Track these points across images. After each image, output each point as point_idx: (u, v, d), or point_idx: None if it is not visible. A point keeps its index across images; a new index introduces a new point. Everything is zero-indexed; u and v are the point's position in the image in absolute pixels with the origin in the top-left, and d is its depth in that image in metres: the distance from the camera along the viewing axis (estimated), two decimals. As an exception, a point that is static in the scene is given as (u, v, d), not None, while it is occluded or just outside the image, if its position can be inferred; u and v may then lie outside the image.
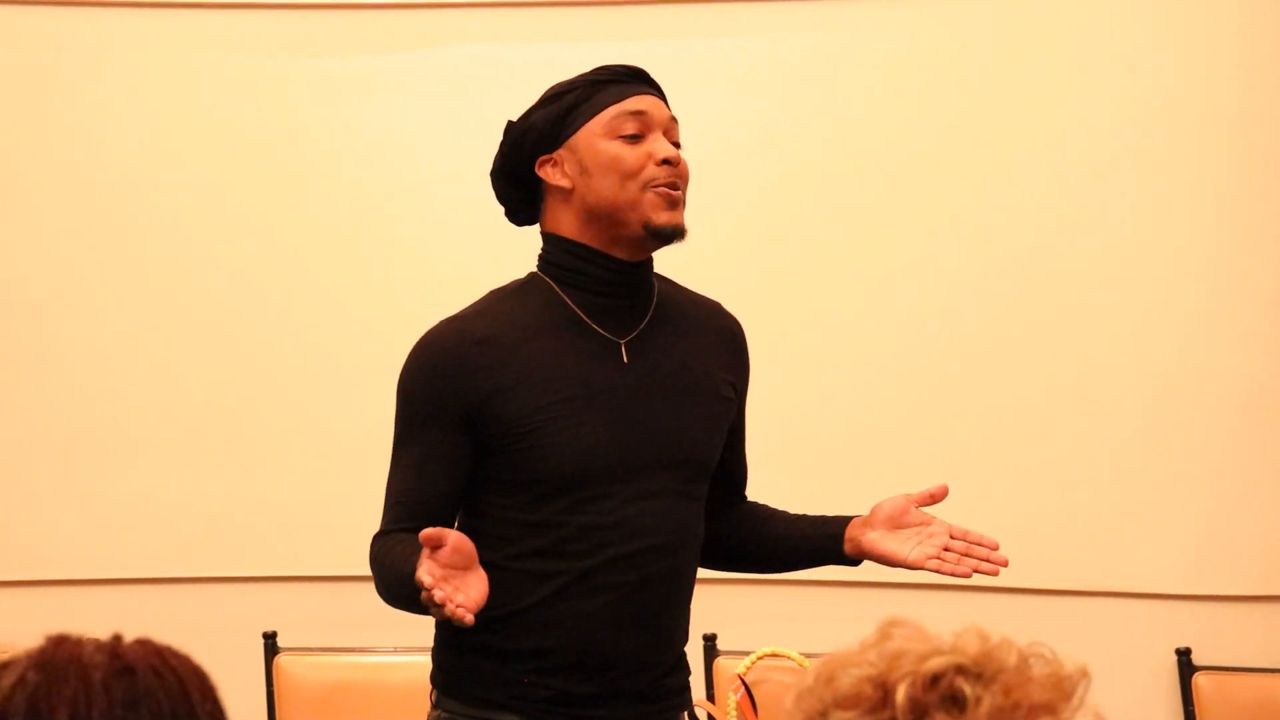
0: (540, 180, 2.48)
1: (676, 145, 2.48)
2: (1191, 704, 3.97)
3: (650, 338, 2.48)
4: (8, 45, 4.29)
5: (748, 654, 3.76)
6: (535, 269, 2.51)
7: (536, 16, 4.30)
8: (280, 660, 3.94)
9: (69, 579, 4.27)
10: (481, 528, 2.40)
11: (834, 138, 4.26)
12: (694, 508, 2.49)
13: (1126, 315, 4.16)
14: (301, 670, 3.92)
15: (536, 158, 2.47)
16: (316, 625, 4.13)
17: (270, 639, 4.02)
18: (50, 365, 4.29)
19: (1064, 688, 1.28)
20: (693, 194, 2.54)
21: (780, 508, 2.64)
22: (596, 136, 2.44)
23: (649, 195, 2.43)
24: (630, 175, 2.42)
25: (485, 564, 2.27)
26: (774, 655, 3.73)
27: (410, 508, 2.42)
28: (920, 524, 2.48)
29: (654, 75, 2.52)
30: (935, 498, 2.49)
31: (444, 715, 2.48)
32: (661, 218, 2.43)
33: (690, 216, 2.50)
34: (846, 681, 1.27)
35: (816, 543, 2.55)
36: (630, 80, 2.48)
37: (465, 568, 2.22)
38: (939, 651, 1.26)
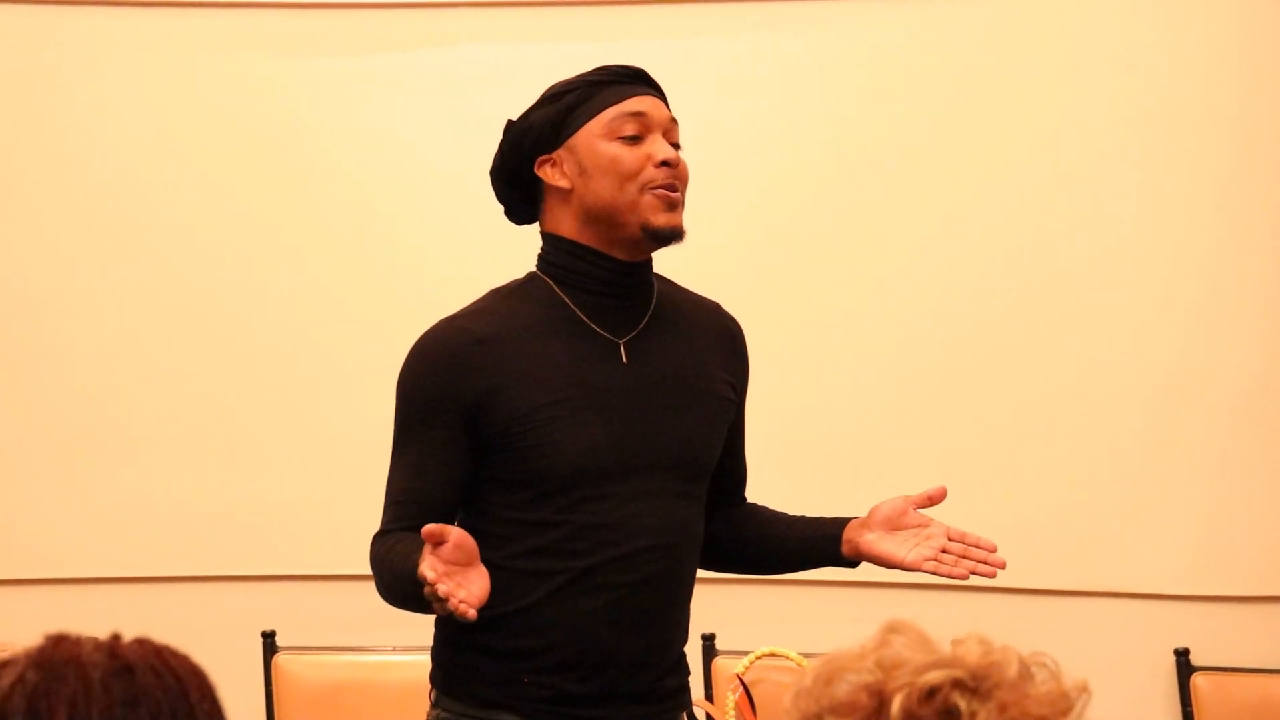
0: (539, 180, 2.48)
1: (676, 146, 2.48)
2: (1190, 704, 3.97)
3: (649, 338, 2.48)
4: (9, 44, 4.28)
5: (746, 654, 3.75)
6: (535, 269, 2.51)
7: (537, 16, 4.30)
8: (279, 659, 3.94)
9: (68, 578, 4.27)
10: (481, 527, 2.40)
11: (833, 137, 4.26)
12: (693, 508, 2.49)
13: (1126, 316, 4.16)
14: (300, 669, 3.91)
15: (536, 158, 2.47)
16: (315, 624, 4.13)
17: (269, 638, 4.02)
18: (50, 364, 4.29)
19: (1062, 704, 1.28)
20: (692, 194, 2.54)
21: (779, 509, 2.64)
22: (596, 137, 2.44)
23: (647, 197, 2.43)
24: (629, 177, 2.42)
25: (484, 563, 2.27)
26: (772, 655, 3.73)
27: (410, 507, 2.42)
28: (918, 526, 2.48)
29: (654, 75, 2.52)
30: (933, 500, 2.49)
31: (443, 715, 2.48)
32: (660, 219, 2.43)
33: (689, 216, 2.50)
34: (843, 688, 1.27)
35: (814, 544, 2.55)
36: (630, 81, 2.48)
37: (467, 564, 2.22)
38: (938, 664, 1.26)
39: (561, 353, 2.43)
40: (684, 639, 2.54)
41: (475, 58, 4.29)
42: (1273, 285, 4.12)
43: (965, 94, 4.23)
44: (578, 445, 2.40)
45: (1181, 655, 4.02)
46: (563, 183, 2.45)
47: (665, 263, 2.52)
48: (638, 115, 2.45)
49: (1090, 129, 4.18)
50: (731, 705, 3.61)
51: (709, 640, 3.94)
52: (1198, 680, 3.96)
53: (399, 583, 2.34)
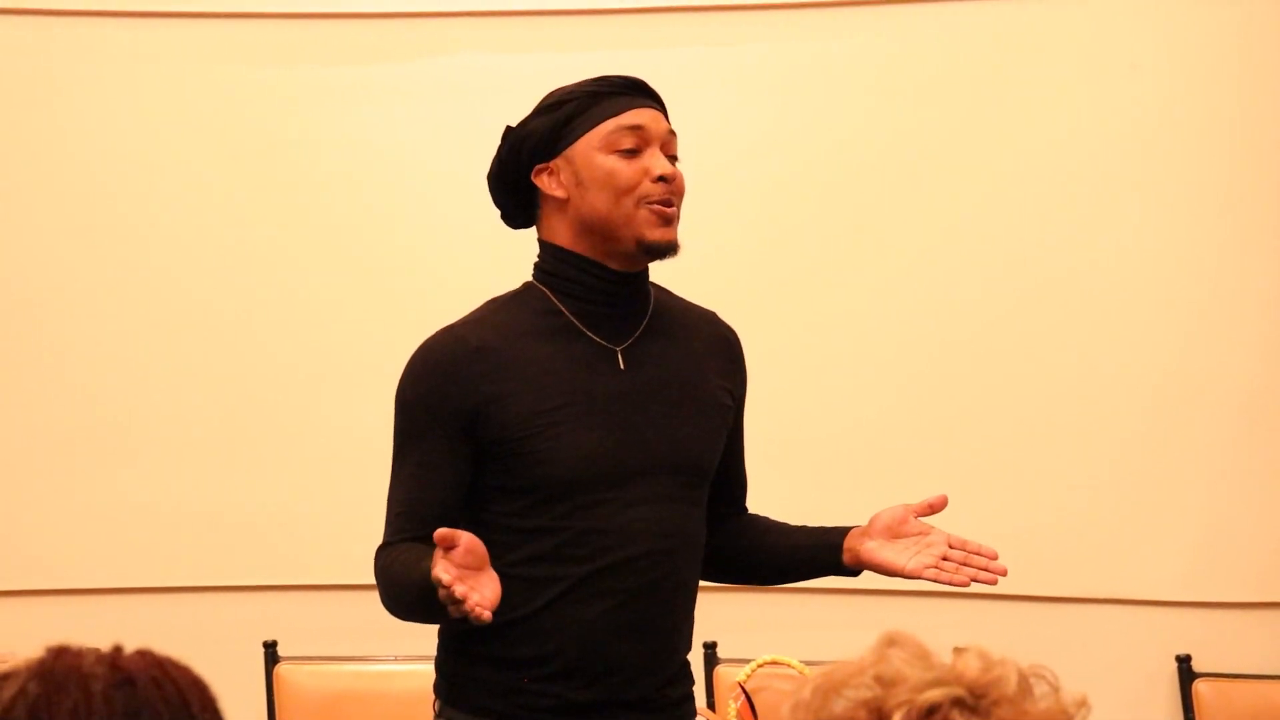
0: (536, 187, 2.48)
1: (674, 158, 2.48)
2: (1192, 711, 3.97)
3: (646, 345, 2.48)
4: (11, 54, 4.29)
5: (748, 662, 3.76)
6: (531, 278, 2.52)
7: (536, 26, 4.30)
8: (280, 669, 3.94)
9: (69, 588, 4.27)
10: (480, 535, 2.39)
11: (834, 144, 4.26)
12: (694, 513, 2.49)
13: (1126, 321, 4.16)
14: (302, 679, 3.91)
15: (533, 165, 2.47)
16: (317, 634, 4.13)
17: (270, 648, 4.02)
18: (51, 374, 4.29)
19: (1062, 719, 1.28)
20: (693, 200, 2.54)
21: (780, 517, 2.64)
22: (594, 150, 2.44)
23: (643, 211, 2.43)
24: (625, 191, 2.43)
25: (487, 570, 2.27)
26: (774, 663, 3.73)
27: (413, 518, 2.42)
28: (919, 534, 2.47)
29: (653, 83, 2.52)
30: (934, 508, 2.48)
31: (447, 725, 2.49)
32: (654, 234, 2.43)
33: (691, 222, 2.50)
34: (841, 704, 1.27)
35: (815, 553, 2.55)
36: (630, 92, 2.48)
37: (478, 568, 2.22)
38: (937, 681, 1.26)
39: (559, 360, 2.44)
40: (687, 646, 2.53)
41: (474, 67, 4.29)
42: (1273, 290, 4.12)
43: (964, 101, 4.23)
44: (576, 451, 2.40)
45: (1183, 662, 4.02)
46: (559, 192, 2.46)
47: (669, 268, 2.52)
48: (636, 129, 2.45)
49: (1090, 136, 4.18)
50: (733, 713, 3.61)
51: (711, 648, 3.94)
52: (1199, 687, 3.96)
53: (406, 592, 2.34)
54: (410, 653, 3.72)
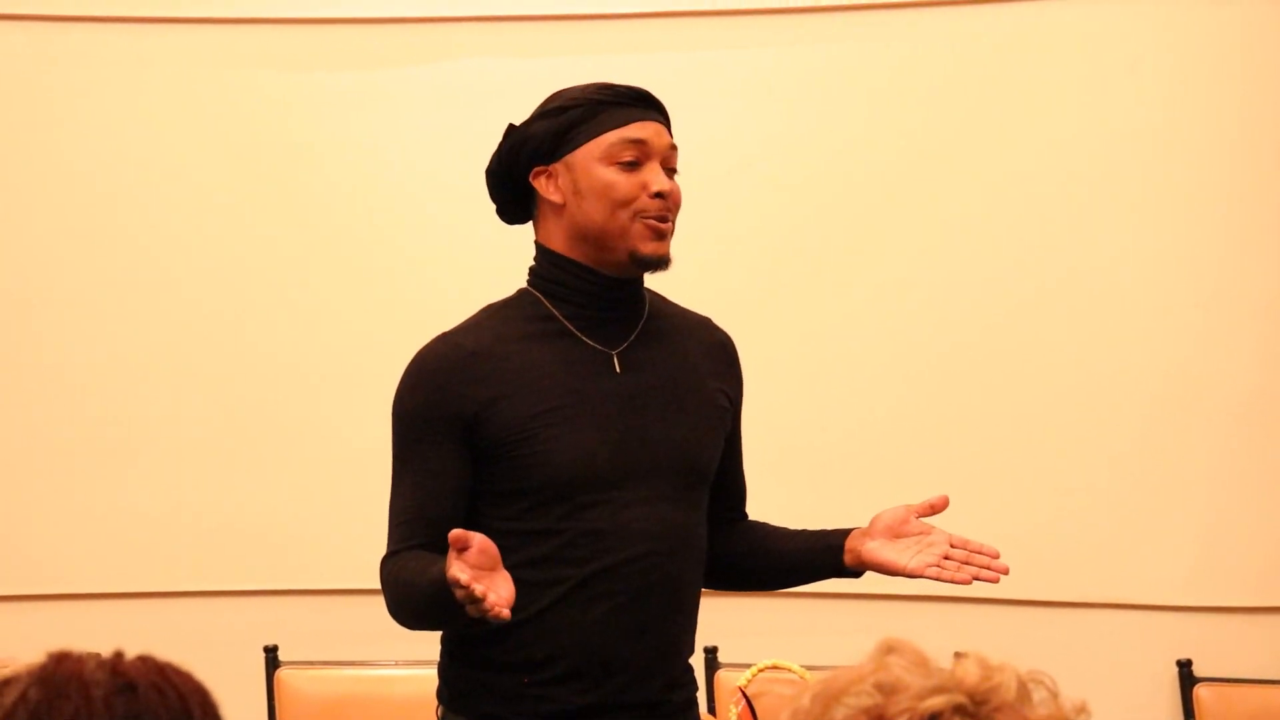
0: (533, 188, 2.49)
1: (673, 171, 2.49)
2: (1193, 715, 3.97)
3: (641, 349, 2.49)
4: (13, 60, 4.30)
5: (749, 666, 3.76)
6: (526, 283, 2.52)
7: (536, 31, 4.30)
8: (281, 674, 3.94)
9: (70, 593, 4.27)
10: (481, 540, 2.40)
11: (836, 149, 4.26)
12: (693, 514, 2.49)
13: (1126, 325, 4.17)
14: (303, 684, 3.91)
15: (532, 167, 2.48)
16: (318, 639, 4.13)
17: (271, 652, 4.02)
18: (53, 378, 4.29)
19: None
20: (695, 206, 2.54)
21: (779, 523, 2.64)
22: (594, 160, 2.44)
23: (638, 225, 2.43)
24: (622, 204, 2.43)
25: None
26: (775, 668, 3.73)
27: (417, 525, 2.42)
28: (920, 533, 2.47)
29: (657, 89, 2.52)
30: (935, 508, 2.48)
31: (450, 731, 2.49)
32: (647, 248, 2.44)
33: (692, 228, 2.51)
34: (842, 713, 1.27)
35: (817, 555, 2.55)
36: (635, 104, 2.48)
37: (491, 569, 2.22)
38: (938, 689, 1.26)
39: (554, 363, 2.44)
40: (690, 649, 2.53)
41: (475, 72, 4.30)
42: (1274, 294, 4.12)
43: (965, 106, 4.23)
44: (573, 452, 2.40)
45: (1184, 666, 4.02)
46: (555, 197, 2.46)
47: (670, 275, 2.52)
48: (638, 143, 2.45)
49: (1092, 140, 4.18)
50: (734, 717, 3.61)
51: (711, 653, 3.94)
52: (1200, 691, 3.96)
53: (417, 598, 2.35)
54: (411, 657, 3.72)
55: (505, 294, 2.54)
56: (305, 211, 4.31)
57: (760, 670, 3.73)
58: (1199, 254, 4.15)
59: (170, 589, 4.28)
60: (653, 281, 2.54)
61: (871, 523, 2.50)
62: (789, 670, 3.71)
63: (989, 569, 2.44)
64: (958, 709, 1.25)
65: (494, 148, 2.53)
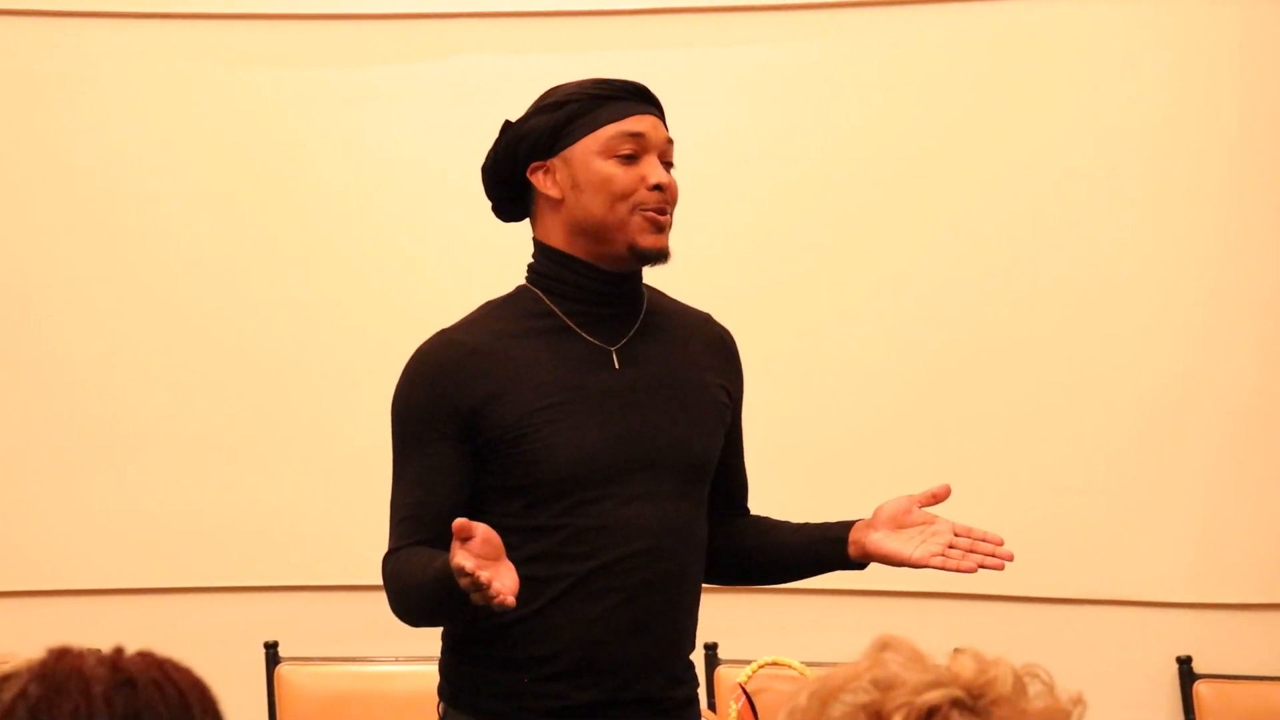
0: (530, 184, 2.49)
1: (670, 165, 2.49)
2: (1193, 712, 3.97)
3: (640, 344, 2.49)
4: (11, 56, 4.29)
5: (749, 663, 3.76)
6: (525, 280, 2.52)
7: (537, 27, 4.30)
8: (281, 670, 3.94)
9: (70, 589, 4.27)
10: (481, 536, 2.39)
11: (832, 146, 4.26)
12: (693, 509, 2.49)
13: (1124, 323, 4.16)
14: (303, 680, 3.91)
15: (529, 163, 2.48)
16: (318, 635, 4.13)
17: (271, 649, 4.02)
18: (51, 376, 4.29)
19: (1059, 717, 1.28)
20: (691, 202, 2.54)
21: (780, 518, 2.64)
22: (592, 154, 2.44)
23: (636, 218, 2.44)
24: (620, 197, 2.43)
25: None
26: (775, 664, 3.74)
27: (419, 522, 2.42)
28: (923, 524, 2.46)
29: (653, 85, 2.52)
30: (937, 497, 2.48)
31: (451, 727, 2.49)
32: (647, 241, 2.44)
33: (689, 225, 2.51)
34: (839, 710, 1.27)
35: (820, 548, 2.54)
36: (632, 98, 2.48)
37: (495, 559, 2.22)
38: (935, 683, 1.26)
39: (553, 359, 2.44)
40: (691, 645, 2.53)
41: (476, 69, 4.29)
42: (1272, 292, 4.12)
43: (961, 103, 4.23)
44: (573, 448, 2.40)
45: (1184, 663, 4.02)
46: (553, 192, 2.47)
47: (668, 271, 2.52)
48: (636, 136, 2.45)
49: (1088, 138, 4.18)
50: (734, 714, 3.62)
51: (711, 649, 3.94)
52: (1200, 688, 3.96)
53: (420, 592, 2.35)
54: (412, 654, 3.72)
55: (504, 290, 2.54)
56: (303, 208, 4.31)
57: (760, 666, 3.73)
58: (1197, 251, 4.15)
59: (170, 585, 4.28)
60: (651, 277, 2.54)
61: (874, 514, 2.49)
62: (789, 666, 3.72)
63: (993, 556, 2.43)
64: (955, 703, 1.25)
65: (490, 144, 2.53)
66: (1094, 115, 4.17)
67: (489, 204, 2.57)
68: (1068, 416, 4.17)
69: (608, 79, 2.50)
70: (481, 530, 2.21)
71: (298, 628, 4.13)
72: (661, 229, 2.45)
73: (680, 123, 2.59)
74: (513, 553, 2.29)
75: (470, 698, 2.47)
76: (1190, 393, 4.13)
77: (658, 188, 2.44)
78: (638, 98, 2.49)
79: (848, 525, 2.52)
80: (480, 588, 2.17)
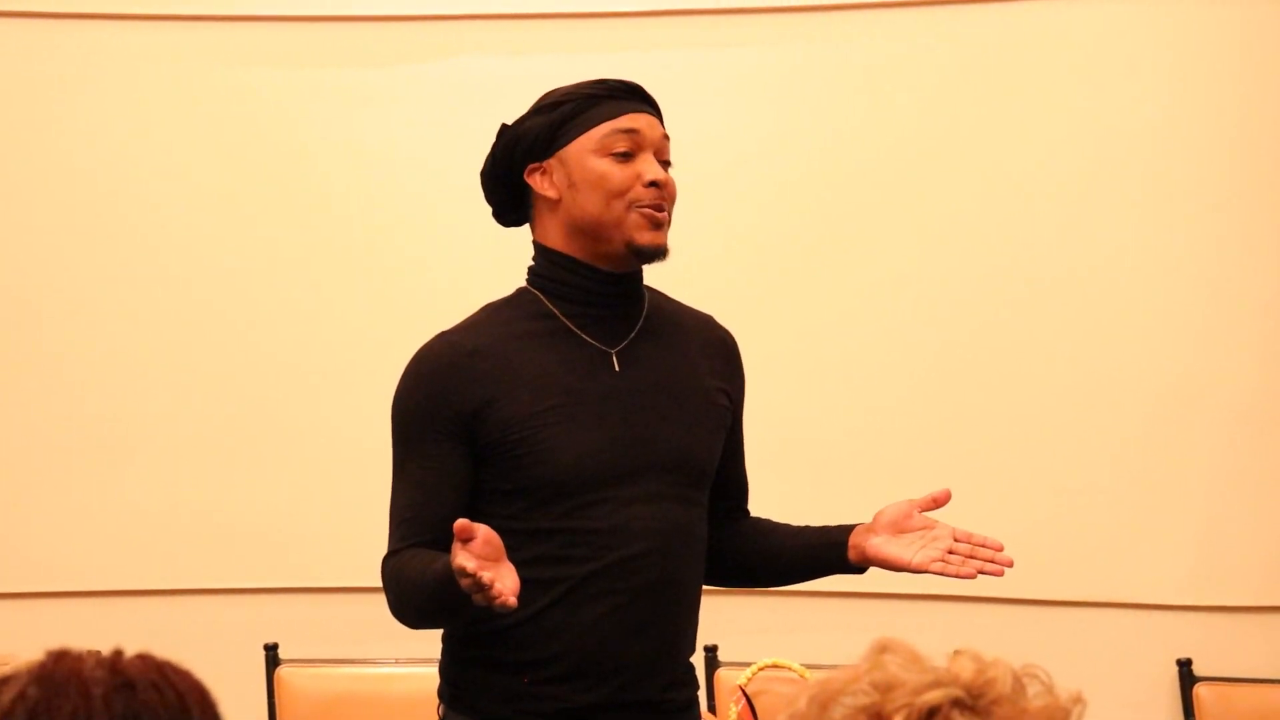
0: (528, 186, 2.49)
1: (667, 164, 2.49)
2: (1193, 715, 3.97)
3: (641, 347, 2.49)
4: (13, 57, 4.29)
5: (749, 665, 3.76)
6: (525, 282, 2.52)
7: (537, 29, 4.30)
8: (281, 672, 3.94)
9: (69, 591, 4.27)
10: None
11: (831, 147, 4.26)
12: (693, 512, 2.49)
13: (1125, 324, 4.16)
14: (303, 682, 3.91)
15: (526, 164, 2.48)
16: (318, 637, 4.13)
17: (271, 650, 4.02)
18: (51, 377, 4.29)
19: (1059, 716, 1.28)
20: (689, 203, 2.54)
21: (779, 520, 2.64)
22: (588, 152, 2.45)
23: (634, 215, 2.44)
24: (617, 194, 2.43)
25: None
26: (775, 666, 3.74)
27: (419, 524, 2.42)
28: (923, 528, 2.47)
29: (651, 87, 2.53)
30: (938, 502, 2.48)
31: (451, 730, 2.49)
32: (644, 238, 2.44)
33: (687, 226, 2.51)
34: (840, 712, 1.27)
35: (820, 552, 2.55)
36: (627, 97, 2.49)
37: (495, 560, 2.22)
38: (935, 683, 1.26)
39: (553, 362, 2.44)
40: (691, 648, 2.53)
41: (475, 70, 4.30)
42: (1274, 294, 4.12)
43: (960, 105, 4.23)
44: (572, 451, 2.40)
45: (1184, 665, 4.02)
46: (551, 192, 2.47)
47: (666, 272, 2.52)
48: (631, 133, 2.45)
49: (1089, 138, 4.18)
50: (734, 716, 3.62)
51: (711, 651, 3.94)
52: (1200, 691, 3.96)
53: (420, 593, 2.34)
54: (412, 655, 3.72)
55: (505, 292, 2.54)
56: (304, 209, 4.31)
57: (760, 669, 3.73)
58: (1198, 252, 4.15)
59: (170, 586, 4.28)
60: (650, 277, 2.54)
61: (875, 518, 2.50)
62: (789, 669, 3.72)
63: (993, 562, 2.43)
64: (956, 703, 1.25)
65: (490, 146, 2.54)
66: (1094, 116, 4.17)
67: (489, 208, 2.58)
68: (1068, 418, 4.17)
69: (603, 79, 2.50)
70: (482, 531, 2.21)
71: (298, 629, 4.13)
72: (659, 226, 2.45)
73: (680, 124, 2.59)
74: (513, 555, 2.29)
75: (470, 700, 2.47)
76: (1191, 394, 4.13)
77: (654, 184, 2.44)
78: (633, 96, 2.49)
79: (848, 529, 2.52)
80: (482, 588, 2.17)
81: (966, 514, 2.57)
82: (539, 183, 2.48)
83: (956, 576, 2.43)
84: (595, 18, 4.29)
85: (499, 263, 2.66)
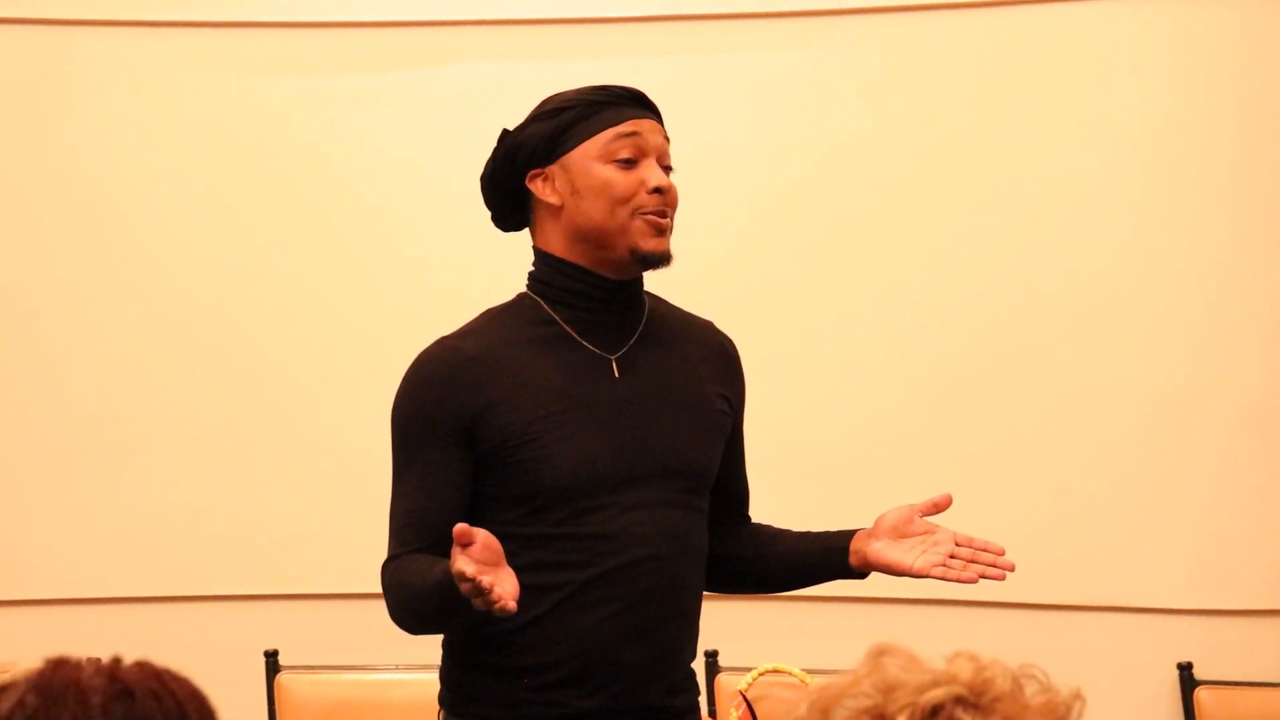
0: (529, 192, 2.49)
1: (669, 169, 2.49)
2: (1194, 719, 3.96)
3: (641, 353, 2.49)
4: (16, 63, 4.30)
5: (749, 670, 3.75)
6: (525, 288, 2.52)
7: (538, 34, 4.30)
8: (282, 679, 3.94)
9: (67, 598, 4.26)
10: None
11: (832, 152, 4.26)
12: (693, 518, 2.49)
13: (1126, 328, 4.16)
14: (303, 689, 3.91)
15: (528, 171, 2.48)
16: (318, 643, 4.13)
17: (272, 657, 4.01)
18: (51, 381, 4.29)
19: (1060, 712, 1.28)
20: (689, 208, 2.54)
21: (779, 525, 2.64)
22: (590, 159, 2.45)
23: (637, 222, 2.44)
24: (621, 201, 2.43)
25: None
26: (775, 671, 3.73)
27: (419, 529, 2.41)
28: (925, 533, 2.47)
29: (652, 92, 2.53)
30: (939, 506, 2.48)
31: (452, 735, 2.49)
32: (648, 244, 2.44)
33: (687, 231, 2.51)
34: (842, 716, 1.27)
35: (821, 557, 2.55)
36: (629, 102, 2.49)
37: (495, 564, 2.22)
38: (937, 682, 1.26)
39: (553, 368, 2.44)
40: (691, 654, 2.53)
41: (476, 76, 4.30)
42: (1275, 297, 4.12)
43: (961, 109, 4.23)
44: (572, 456, 2.40)
45: (1185, 669, 4.02)
46: (553, 199, 2.47)
47: (666, 277, 2.52)
48: (634, 139, 2.45)
49: (1089, 143, 4.18)
50: (735, 721, 3.61)
51: (712, 656, 3.94)
52: (1201, 694, 3.95)
53: (421, 598, 2.34)
54: (412, 662, 3.72)
55: (505, 298, 2.54)
56: (305, 214, 4.31)
57: (761, 674, 3.73)
58: (1199, 257, 4.15)
59: (169, 594, 4.27)
60: (652, 282, 2.54)
61: (875, 523, 2.50)
62: (790, 674, 3.71)
63: (994, 566, 2.43)
64: (958, 700, 1.26)
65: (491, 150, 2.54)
66: (1095, 120, 4.17)
67: (489, 213, 2.58)
68: (1069, 422, 4.17)
69: (604, 85, 2.50)
70: (482, 536, 2.21)
71: (298, 636, 4.13)
72: (662, 232, 2.45)
73: (681, 129, 2.59)
74: (513, 560, 2.29)
75: (470, 705, 2.47)
76: (1192, 398, 4.12)
77: (658, 190, 2.44)
78: (634, 102, 2.49)
79: (849, 534, 2.52)
80: (481, 593, 2.17)
81: (967, 518, 2.57)
82: (541, 189, 2.48)
83: (958, 581, 2.43)
84: (595, 23, 4.29)
85: (499, 268, 2.66)
